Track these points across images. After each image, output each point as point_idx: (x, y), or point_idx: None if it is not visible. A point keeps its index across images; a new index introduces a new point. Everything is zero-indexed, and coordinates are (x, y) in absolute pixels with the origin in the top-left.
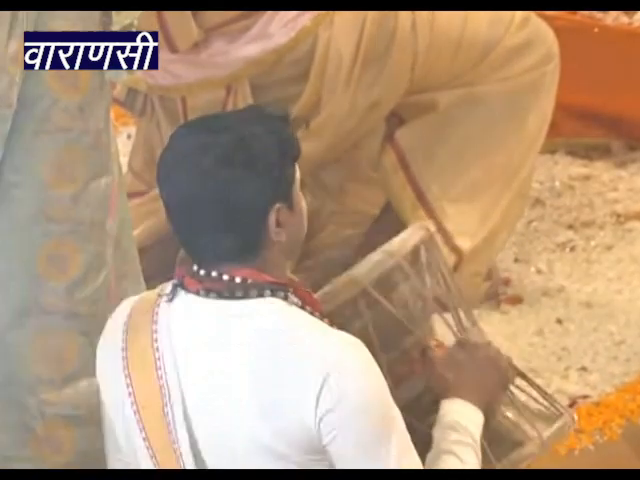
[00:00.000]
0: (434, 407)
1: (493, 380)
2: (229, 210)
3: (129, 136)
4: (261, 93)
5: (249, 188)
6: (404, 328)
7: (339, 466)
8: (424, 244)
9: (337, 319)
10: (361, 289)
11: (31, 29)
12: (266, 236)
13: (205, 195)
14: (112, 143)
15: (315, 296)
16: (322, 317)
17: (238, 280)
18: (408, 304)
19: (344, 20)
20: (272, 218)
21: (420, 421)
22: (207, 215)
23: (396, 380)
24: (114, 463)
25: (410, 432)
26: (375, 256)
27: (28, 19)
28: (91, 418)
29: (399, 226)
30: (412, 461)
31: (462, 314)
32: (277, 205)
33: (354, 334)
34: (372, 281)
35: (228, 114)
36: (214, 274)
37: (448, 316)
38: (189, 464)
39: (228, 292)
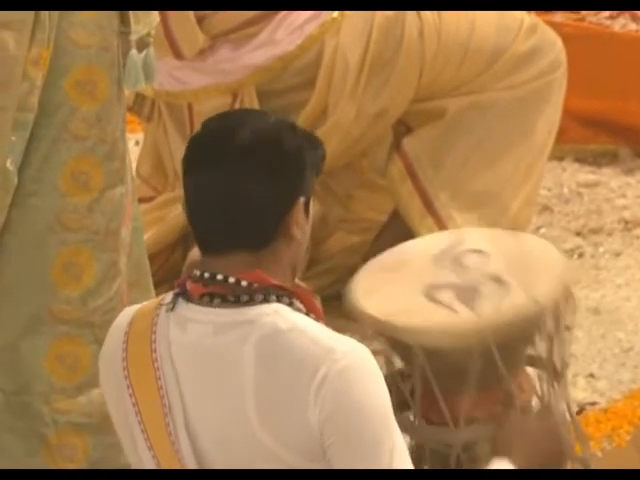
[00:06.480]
0: (485, 459)
1: (550, 459)
2: (258, 196)
3: (137, 142)
4: (267, 100)
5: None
6: (502, 374)
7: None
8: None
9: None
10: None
11: (53, 35)
12: (282, 230)
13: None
14: (127, 152)
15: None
16: (326, 326)
17: (244, 284)
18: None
19: (351, 28)
20: (295, 212)
21: (468, 465)
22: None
23: (469, 418)
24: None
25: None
26: (515, 299)
27: (50, 24)
28: (104, 426)
29: (406, 233)
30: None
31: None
32: (301, 199)
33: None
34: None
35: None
36: (219, 277)
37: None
38: None
39: (233, 296)
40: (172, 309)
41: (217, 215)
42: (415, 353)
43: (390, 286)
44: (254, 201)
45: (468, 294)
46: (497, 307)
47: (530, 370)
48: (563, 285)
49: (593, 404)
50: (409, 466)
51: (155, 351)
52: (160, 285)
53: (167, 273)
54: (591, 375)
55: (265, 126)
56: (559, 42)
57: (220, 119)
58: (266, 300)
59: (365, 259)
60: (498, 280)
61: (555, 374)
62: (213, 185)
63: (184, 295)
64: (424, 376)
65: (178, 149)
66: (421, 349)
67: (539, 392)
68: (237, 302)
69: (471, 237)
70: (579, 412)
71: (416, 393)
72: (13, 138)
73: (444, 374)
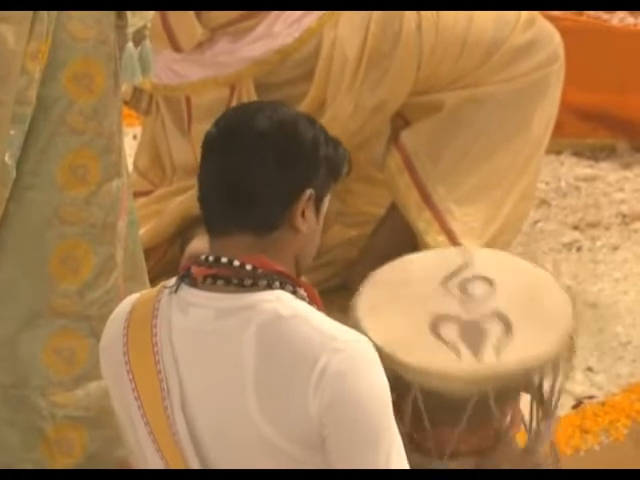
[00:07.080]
0: None
1: None
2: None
3: (135, 136)
4: (265, 93)
5: (295, 167)
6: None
7: (332, 461)
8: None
9: None
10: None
11: (51, 29)
12: (287, 219)
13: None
14: (122, 145)
15: None
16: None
17: (249, 267)
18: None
19: (349, 21)
20: (302, 203)
21: None
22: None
23: (454, 451)
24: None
25: None
26: (518, 349)
27: (49, 19)
28: (101, 420)
29: (404, 227)
30: (401, 466)
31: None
32: (309, 191)
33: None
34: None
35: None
36: (224, 260)
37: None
38: (191, 457)
39: (237, 279)
40: (175, 291)
41: (224, 194)
42: (410, 386)
43: (395, 307)
44: (261, 184)
45: (472, 333)
46: (499, 356)
47: (524, 397)
48: (568, 337)
49: (591, 398)
50: (405, 461)
51: (155, 335)
52: (157, 279)
53: (164, 267)
54: (589, 369)
55: (284, 116)
56: (557, 35)
57: (242, 107)
58: (269, 286)
59: (363, 252)
60: (503, 319)
61: (546, 411)
62: (225, 166)
63: (188, 279)
64: (415, 406)
65: (176, 143)
66: (418, 385)
67: (527, 424)
68: (240, 286)
69: (480, 259)
70: (577, 405)
71: (405, 417)
72: (12, 132)
73: (436, 408)
